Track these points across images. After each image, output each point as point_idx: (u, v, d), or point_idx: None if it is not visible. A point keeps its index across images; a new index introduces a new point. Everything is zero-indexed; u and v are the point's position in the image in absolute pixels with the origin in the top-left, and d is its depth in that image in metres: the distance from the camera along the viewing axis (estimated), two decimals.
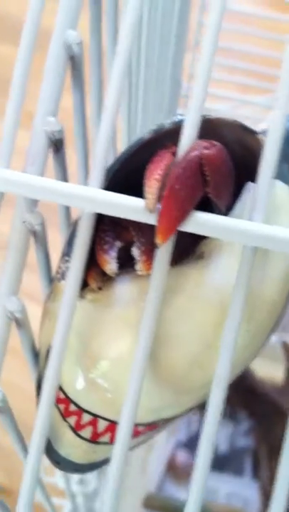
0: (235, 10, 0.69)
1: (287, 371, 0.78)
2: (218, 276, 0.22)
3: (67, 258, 0.25)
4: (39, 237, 0.23)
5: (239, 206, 0.22)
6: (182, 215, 0.20)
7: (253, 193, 0.21)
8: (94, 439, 0.27)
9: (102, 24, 0.27)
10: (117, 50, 0.21)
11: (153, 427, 0.26)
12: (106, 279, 0.24)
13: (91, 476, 0.62)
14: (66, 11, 0.23)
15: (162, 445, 0.82)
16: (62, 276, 0.25)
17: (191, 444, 0.81)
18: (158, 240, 0.20)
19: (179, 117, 0.23)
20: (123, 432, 0.22)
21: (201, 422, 0.83)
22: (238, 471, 0.81)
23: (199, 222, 0.20)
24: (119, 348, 0.24)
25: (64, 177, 0.26)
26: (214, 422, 0.21)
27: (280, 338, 0.80)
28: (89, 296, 0.24)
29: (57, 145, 0.24)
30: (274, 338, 0.82)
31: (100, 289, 0.24)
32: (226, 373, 0.21)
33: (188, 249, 0.23)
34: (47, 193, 0.21)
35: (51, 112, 0.23)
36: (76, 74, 0.24)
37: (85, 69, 0.25)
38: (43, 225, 0.23)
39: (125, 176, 0.23)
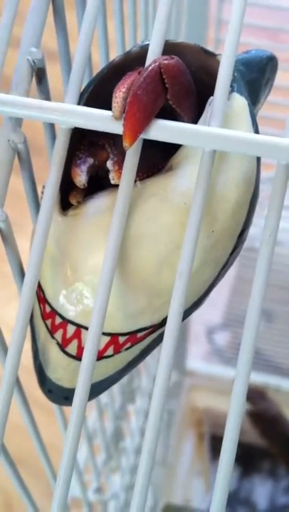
0: None
1: None
2: (183, 181, 0.25)
3: None
4: (23, 155, 0.26)
5: (202, 119, 0.25)
6: (145, 118, 0.22)
7: (212, 104, 0.23)
8: (79, 356, 0.29)
9: None
10: None
11: (133, 338, 0.28)
12: (86, 199, 0.27)
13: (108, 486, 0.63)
14: None
15: (199, 503, 0.82)
16: None
17: (228, 501, 0.80)
18: (125, 143, 0.23)
19: (145, 42, 0.25)
20: (93, 330, 0.24)
21: (237, 479, 0.81)
22: None
23: (161, 127, 0.23)
24: (96, 255, 0.26)
25: None
26: (178, 311, 0.23)
27: None
28: (70, 212, 0.27)
29: (39, 75, 0.26)
30: None
31: (78, 202, 0.27)
32: (188, 266, 0.23)
33: (159, 164, 0.26)
34: (26, 110, 0.24)
35: (34, 44, 0.26)
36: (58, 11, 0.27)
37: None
38: (25, 143, 0.25)
39: (99, 100, 0.26)
